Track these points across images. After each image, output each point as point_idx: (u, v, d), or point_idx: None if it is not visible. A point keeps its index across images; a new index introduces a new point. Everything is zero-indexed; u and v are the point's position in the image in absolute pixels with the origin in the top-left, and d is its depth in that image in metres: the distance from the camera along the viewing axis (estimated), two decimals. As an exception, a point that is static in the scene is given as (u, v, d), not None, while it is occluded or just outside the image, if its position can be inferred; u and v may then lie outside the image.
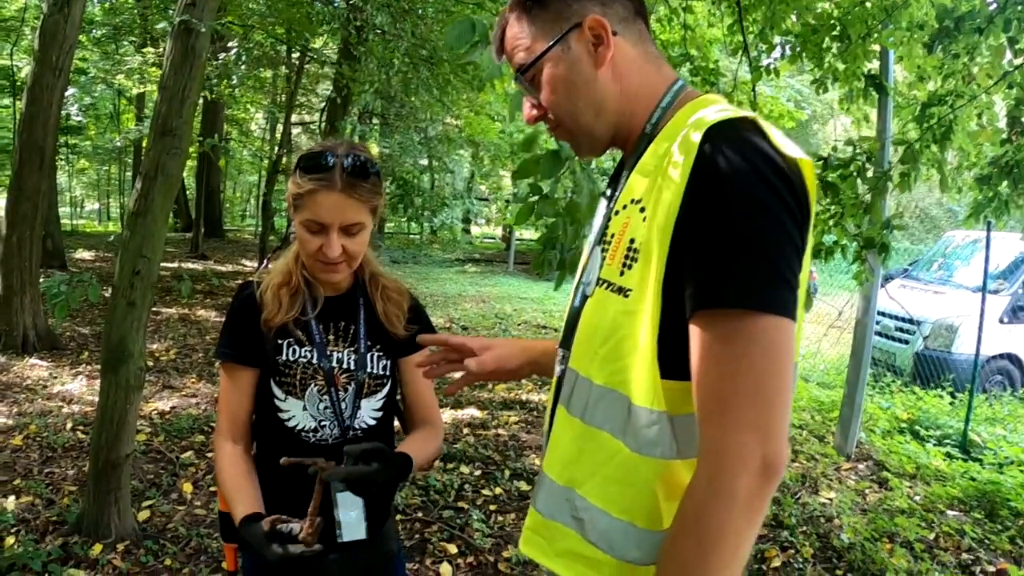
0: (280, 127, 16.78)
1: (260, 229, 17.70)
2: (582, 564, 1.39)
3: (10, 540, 4.22)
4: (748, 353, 1.17)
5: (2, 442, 5.70)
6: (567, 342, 1.51)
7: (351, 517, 1.96)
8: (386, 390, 2.13)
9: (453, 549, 4.54)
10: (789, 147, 1.24)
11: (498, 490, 5.47)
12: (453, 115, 18.31)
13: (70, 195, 36.03)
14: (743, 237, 1.17)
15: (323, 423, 2.03)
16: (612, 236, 1.41)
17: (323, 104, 17.31)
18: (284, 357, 2.01)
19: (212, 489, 5.15)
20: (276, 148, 15.37)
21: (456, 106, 15.82)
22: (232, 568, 2.24)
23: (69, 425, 6.10)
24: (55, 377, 7.49)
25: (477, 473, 5.77)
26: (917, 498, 5.73)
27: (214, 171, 23.27)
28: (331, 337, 2.07)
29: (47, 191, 8.78)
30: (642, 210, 1.33)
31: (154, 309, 10.76)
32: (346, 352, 2.07)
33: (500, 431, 6.82)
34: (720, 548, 1.18)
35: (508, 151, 21.43)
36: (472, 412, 7.33)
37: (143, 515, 4.66)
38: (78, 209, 38.49)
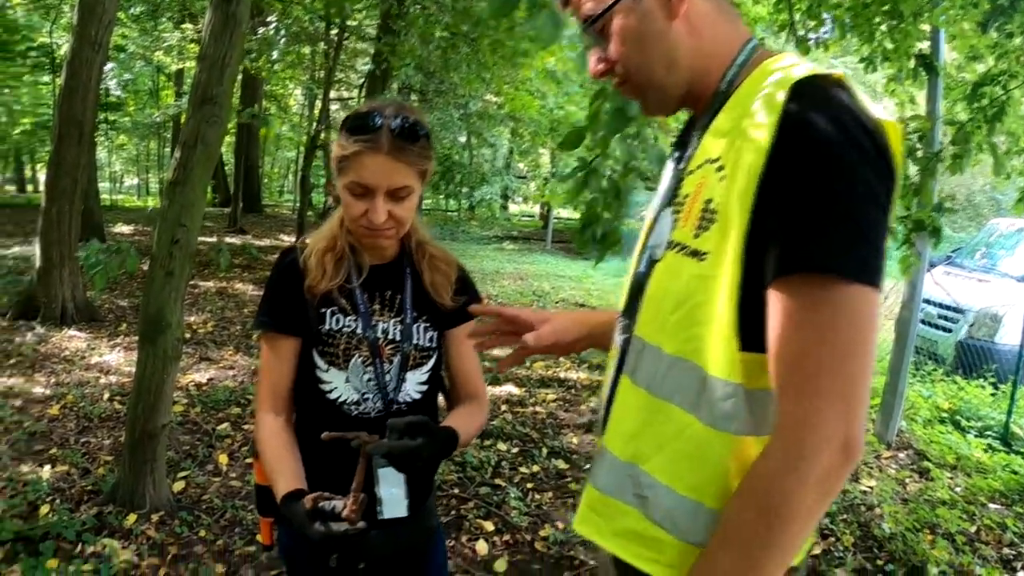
0: (318, 103, 16.77)
1: (298, 204, 17.72)
2: (642, 545, 1.31)
3: (44, 509, 4.22)
4: (834, 323, 1.09)
5: (39, 412, 5.72)
6: (630, 310, 1.42)
7: (393, 493, 1.88)
8: (432, 362, 2.05)
9: (490, 527, 4.49)
10: (874, 108, 1.16)
11: (535, 468, 5.41)
12: (493, 91, 18.20)
13: (109, 170, 36.50)
14: (833, 201, 1.09)
15: (366, 396, 1.95)
16: (685, 197, 1.32)
17: (362, 80, 17.26)
18: (327, 326, 1.94)
19: (248, 461, 5.13)
20: (314, 124, 15.35)
21: (496, 82, 15.71)
22: (268, 542, 2.18)
23: (106, 396, 6.12)
24: (93, 348, 7.52)
25: (515, 451, 5.71)
26: (958, 489, 5.60)
27: (253, 146, 23.39)
28: (376, 306, 1.99)
29: (86, 165, 8.79)
30: (720, 169, 1.24)
31: (192, 282, 10.79)
32: (392, 322, 1.99)
33: (538, 408, 6.76)
34: (787, 525, 1.11)
35: (548, 127, 21.29)
36: (510, 389, 7.27)
37: (178, 486, 4.65)
38: (117, 184, 38.96)
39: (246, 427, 5.72)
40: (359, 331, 1.95)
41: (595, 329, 1.72)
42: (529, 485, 5.11)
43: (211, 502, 4.51)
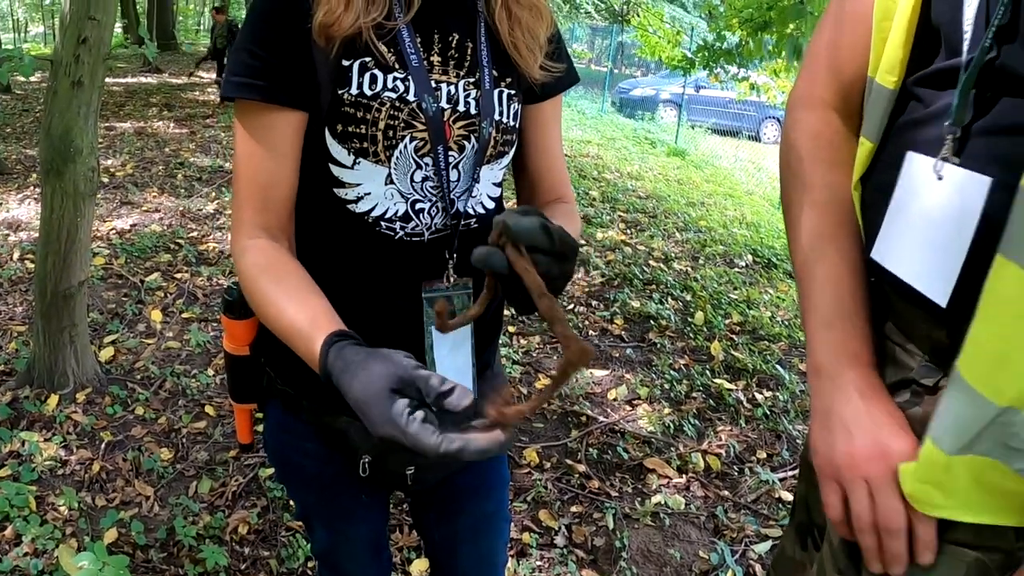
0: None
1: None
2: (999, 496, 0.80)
3: (-55, 400, 3.34)
4: None
5: (-61, 279, 4.73)
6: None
7: (453, 359, 1.18)
8: (512, 152, 1.24)
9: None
10: None
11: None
12: None
13: (12, 19, 34.31)
14: None
15: (420, 205, 1.12)
16: None
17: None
18: (354, 90, 1.07)
19: (185, 316, 4.30)
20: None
21: None
22: (247, 439, 1.40)
23: (16, 255, 5.12)
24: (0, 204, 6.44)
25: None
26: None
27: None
28: (436, 59, 1.12)
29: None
30: None
31: (107, 124, 9.60)
32: (462, 84, 1.13)
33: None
34: None
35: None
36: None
37: (105, 354, 3.80)
38: (21, 34, 36.30)
39: (179, 276, 4.83)
40: (410, 97, 1.08)
41: None
42: (511, 328, 4.34)
43: (146, 370, 3.69)
